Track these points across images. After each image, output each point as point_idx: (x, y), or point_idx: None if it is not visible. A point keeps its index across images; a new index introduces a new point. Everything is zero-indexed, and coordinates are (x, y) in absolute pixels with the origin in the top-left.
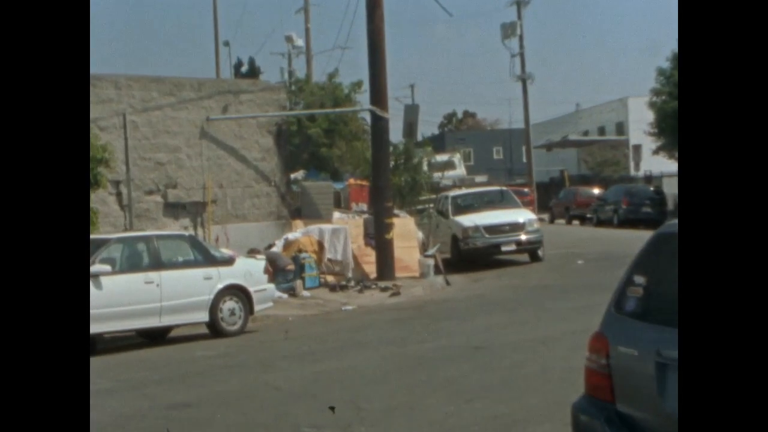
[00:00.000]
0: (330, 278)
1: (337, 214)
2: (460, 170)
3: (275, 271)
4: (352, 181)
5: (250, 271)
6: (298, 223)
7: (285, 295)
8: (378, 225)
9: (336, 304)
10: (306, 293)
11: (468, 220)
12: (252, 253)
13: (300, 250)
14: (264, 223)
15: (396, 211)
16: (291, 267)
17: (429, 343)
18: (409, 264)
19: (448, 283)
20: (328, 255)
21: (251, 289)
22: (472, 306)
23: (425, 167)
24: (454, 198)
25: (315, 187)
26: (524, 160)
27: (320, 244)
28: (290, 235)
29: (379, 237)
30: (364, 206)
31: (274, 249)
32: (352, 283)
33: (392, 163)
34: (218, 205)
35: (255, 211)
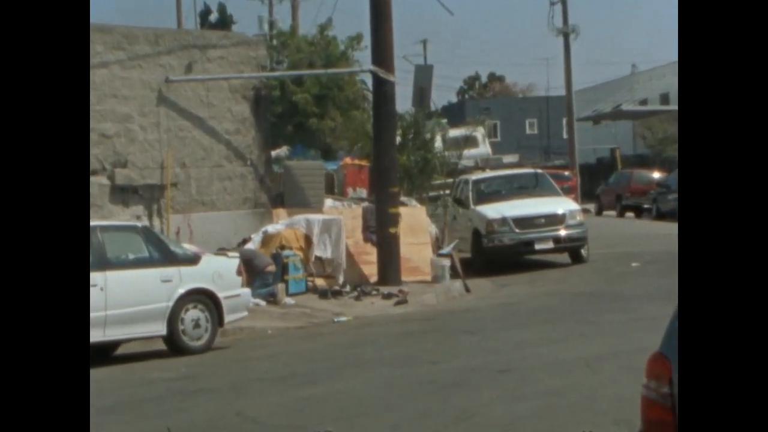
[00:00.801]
0: (320, 282)
1: (329, 202)
2: (484, 148)
3: (251, 272)
4: (348, 160)
5: (219, 273)
6: (281, 212)
7: (263, 303)
8: (380, 216)
9: (327, 314)
10: (290, 300)
11: (493, 210)
12: (222, 250)
13: (283, 247)
14: (237, 212)
15: (403, 199)
16: (271, 268)
17: (442, 364)
18: (419, 265)
19: (467, 289)
20: (317, 253)
21: (221, 295)
22: (497, 318)
23: (440, 144)
24: (477, 183)
25: (302, 167)
26: (565, 135)
27: (308, 239)
28: (270, 228)
29: (381, 231)
30: (364, 192)
31: (250, 245)
32: (348, 289)
33: (399, 138)
34: (180, 190)
35: (226, 197)
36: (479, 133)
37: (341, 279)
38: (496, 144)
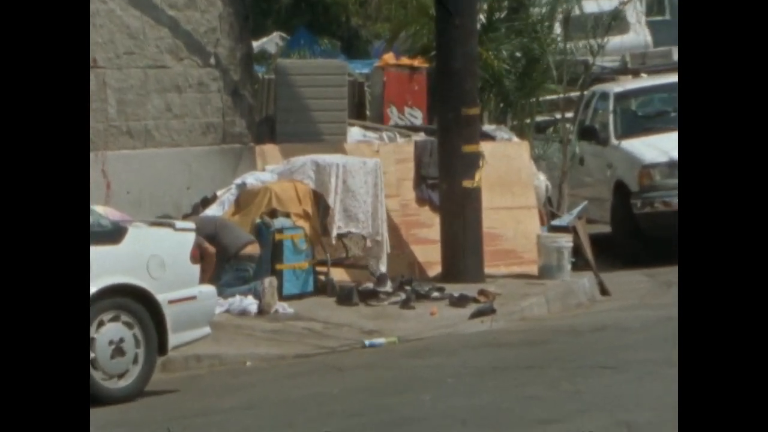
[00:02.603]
0: (339, 273)
1: (355, 133)
2: (640, 34)
3: (217, 257)
4: (389, 59)
5: (159, 258)
6: (270, 150)
7: (240, 309)
8: (448, 158)
9: (351, 333)
10: (284, 307)
11: (653, 149)
12: (166, 218)
13: (273, 213)
14: (192, 150)
15: (487, 129)
16: (252, 250)
17: (563, 424)
18: (516, 246)
19: (604, 290)
20: (336, 226)
21: (162, 298)
22: (656, 342)
23: (558, 29)
24: (623, 98)
25: (307, 70)
26: None
27: (317, 199)
28: (251, 179)
29: (449, 185)
30: (418, 115)
31: (214, 210)
32: (389, 287)
33: (482, 18)
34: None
35: (172, 122)
36: (632, 7)
37: (379, 270)
38: (659, 27)
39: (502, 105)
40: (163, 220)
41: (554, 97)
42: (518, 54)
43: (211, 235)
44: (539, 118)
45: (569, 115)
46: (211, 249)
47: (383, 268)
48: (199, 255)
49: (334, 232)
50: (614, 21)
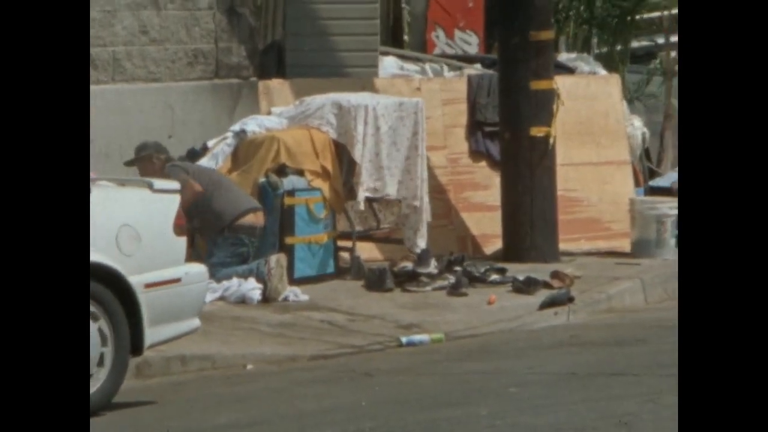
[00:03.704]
0: (368, 250)
1: (390, 64)
2: None
3: (207, 226)
4: None
5: (132, 228)
6: (277, 87)
7: (239, 295)
8: (511, 97)
9: (384, 328)
10: (295, 293)
11: None
12: (143, 167)
13: (281, 170)
14: (175, 85)
15: (565, 59)
16: (254, 219)
17: None
18: (602, 214)
19: None
20: (365, 188)
21: (135, 280)
22: None
23: None
24: None
25: None
26: None
27: (339, 151)
28: (252, 125)
29: (514, 133)
30: (471, 39)
31: (205, 163)
32: (432, 267)
33: None
34: None
35: (149, 50)
36: None
37: (420, 245)
38: None
39: (585, 26)
40: (137, 179)
41: (656, 14)
42: None
43: (199, 199)
44: (635, 44)
45: (675, 39)
46: (197, 187)
47: (422, 243)
48: (183, 223)
49: (362, 196)
50: None
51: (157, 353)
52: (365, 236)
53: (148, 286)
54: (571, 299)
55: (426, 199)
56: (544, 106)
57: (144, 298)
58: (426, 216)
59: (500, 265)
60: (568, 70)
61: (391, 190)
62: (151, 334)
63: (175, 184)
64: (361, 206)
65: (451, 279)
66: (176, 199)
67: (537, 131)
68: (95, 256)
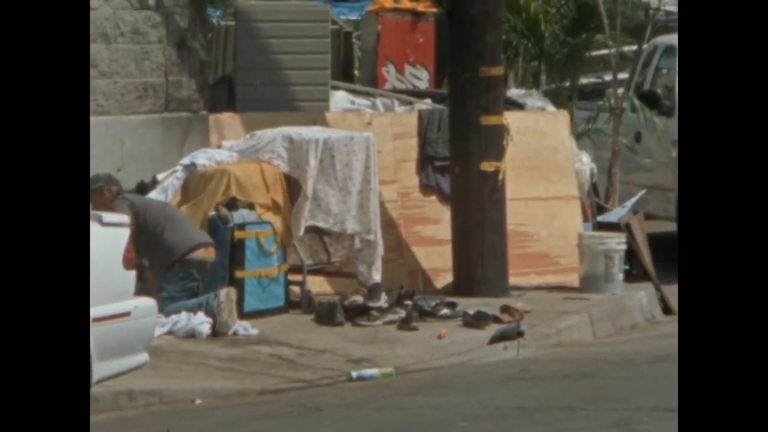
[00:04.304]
0: (319, 284)
1: (340, 99)
2: None
3: (157, 261)
4: (384, 1)
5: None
6: (228, 121)
7: (188, 330)
8: (461, 132)
9: (333, 362)
10: (245, 327)
11: None
12: (94, 200)
13: (231, 203)
14: (127, 119)
15: (514, 94)
16: (205, 254)
17: None
18: (551, 248)
19: (667, 306)
20: (314, 220)
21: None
22: None
23: None
24: None
25: (277, 13)
26: None
27: (290, 185)
28: (202, 158)
29: (464, 168)
30: (422, 75)
31: (155, 196)
32: (382, 301)
33: None
34: None
35: (99, 83)
36: None
37: (375, 278)
38: None
39: (535, 63)
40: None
41: (604, 52)
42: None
43: (149, 232)
44: (583, 80)
45: (623, 76)
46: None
47: (377, 277)
48: (132, 257)
49: (302, 228)
50: None
51: (104, 388)
52: (316, 270)
53: (97, 320)
54: (521, 333)
55: (379, 233)
56: (494, 141)
57: (92, 331)
58: (380, 249)
59: (450, 299)
60: (518, 106)
61: (347, 225)
62: (99, 369)
63: (124, 218)
64: (301, 231)
65: (402, 313)
66: (126, 232)
67: (487, 166)
68: None
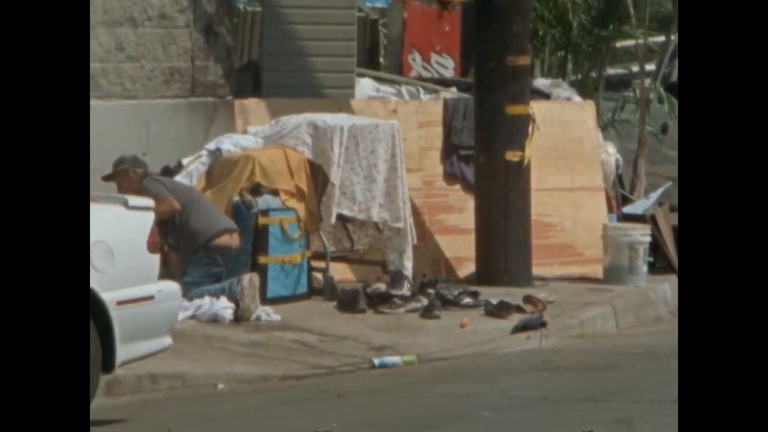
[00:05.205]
0: (341, 271)
1: (366, 86)
2: None
3: (180, 245)
4: None
5: (105, 244)
6: (253, 106)
7: (211, 314)
8: (486, 121)
9: (356, 348)
10: (268, 312)
11: None
12: (120, 181)
13: (255, 189)
14: (153, 103)
15: (541, 84)
16: (229, 240)
17: None
18: (575, 239)
19: None
20: (340, 208)
21: (107, 297)
22: None
23: None
24: None
25: (305, 3)
26: None
27: (314, 171)
28: (227, 143)
29: (489, 157)
30: (448, 63)
31: (179, 179)
32: (405, 289)
33: None
34: None
35: (125, 67)
36: None
37: (407, 266)
38: None
39: (562, 53)
40: (112, 195)
41: (630, 42)
42: None
43: (173, 217)
44: (610, 71)
45: (650, 67)
46: (176, 204)
47: (409, 265)
48: (157, 240)
49: (333, 216)
50: None
51: (128, 371)
52: (339, 257)
53: (120, 303)
54: (543, 324)
55: (410, 220)
56: (520, 130)
57: (116, 314)
58: (412, 237)
59: (473, 288)
60: (544, 96)
61: (372, 213)
62: (123, 352)
63: (150, 202)
64: (333, 220)
65: (425, 301)
66: (151, 216)
67: (512, 155)
68: None
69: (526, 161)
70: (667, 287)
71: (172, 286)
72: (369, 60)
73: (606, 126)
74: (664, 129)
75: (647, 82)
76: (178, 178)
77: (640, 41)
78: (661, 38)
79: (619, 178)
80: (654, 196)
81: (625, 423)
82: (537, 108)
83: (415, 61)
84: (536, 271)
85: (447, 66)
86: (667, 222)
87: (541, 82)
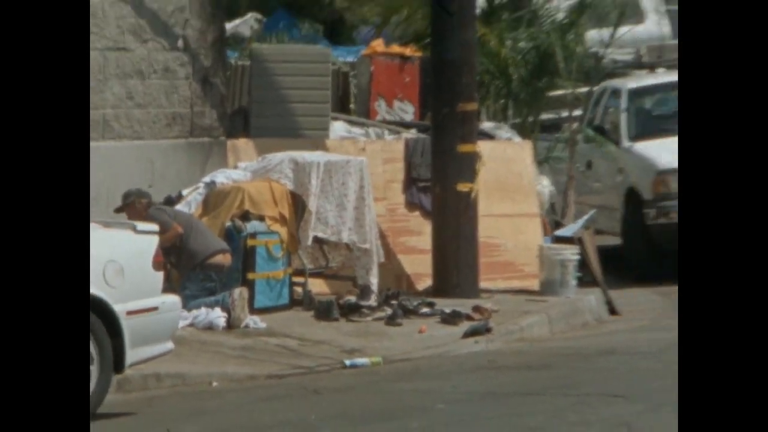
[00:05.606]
0: (318, 285)
1: (339, 128)
2: (657, 24)
3: (180, 263)
4: (378, 46)
5: (117, 263)
6: (243, 145)
7: (207, 322)
8: (441, 159)
9: (330, 352)
10: (255, 321)
11: (669, 152)
12: (129, 212)
13: (245, 215)
14: (157, 143)
15: (486, 127)
16: (222, 259)
17: None
18: (516, 258)
19: (612, 308)
20: (315, 231)
21: (120, 308)
22: (672, 366)
23: (563, 15)
24: (636, 96)
25: (286, 57)
26: None
27: (294, 201)
28: (221, 177)
29: (443, 188)
30: (409, 110)
31: (180, 208)
32: (372, 301)
33: (482, 3)
34: None
35: (133, 111)
36: None
37: (373, 282)
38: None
39: (504, 101)
40: (122, 221)
41: (560, 92)
42: (524, 44)
43: (174, 240)
44: (543, 116)
45: (577, 113)
46: (179, 229)
47: (374, 281)
48: (161, 260)
49: (310, 238)
50: (625, 8)
51: (136, 371)
52: (316, 273)
53: (130, 313)
54: (489, 330)
55: (375, 242)
56: (469, 166)
57: (126, 323)
58: (377, 257)
59: (430, 299)
60: (489, 137)
61: (343, 235)
62: (132, 355)
63: (154, 227)
64: (309, 243)
65: (389, 311)
66: (155, 239)
67: (462, 187)
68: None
69: (474, 192)
70: (592, 298)
71: (174, 299)
72: (341, 106)
73: (541, 162)
74: (589, 165)
75: (575, 125)
76: (179, 206)
77: (569, 91)
78: (586, 89)
79: (552, 206)
80: (581, 221)
81: (559, 413)
82: (483, 147)
83: (380, 107)
84: (483, 284)
85: (407, 111)
86: (592, 243)
87: (486, 125)
